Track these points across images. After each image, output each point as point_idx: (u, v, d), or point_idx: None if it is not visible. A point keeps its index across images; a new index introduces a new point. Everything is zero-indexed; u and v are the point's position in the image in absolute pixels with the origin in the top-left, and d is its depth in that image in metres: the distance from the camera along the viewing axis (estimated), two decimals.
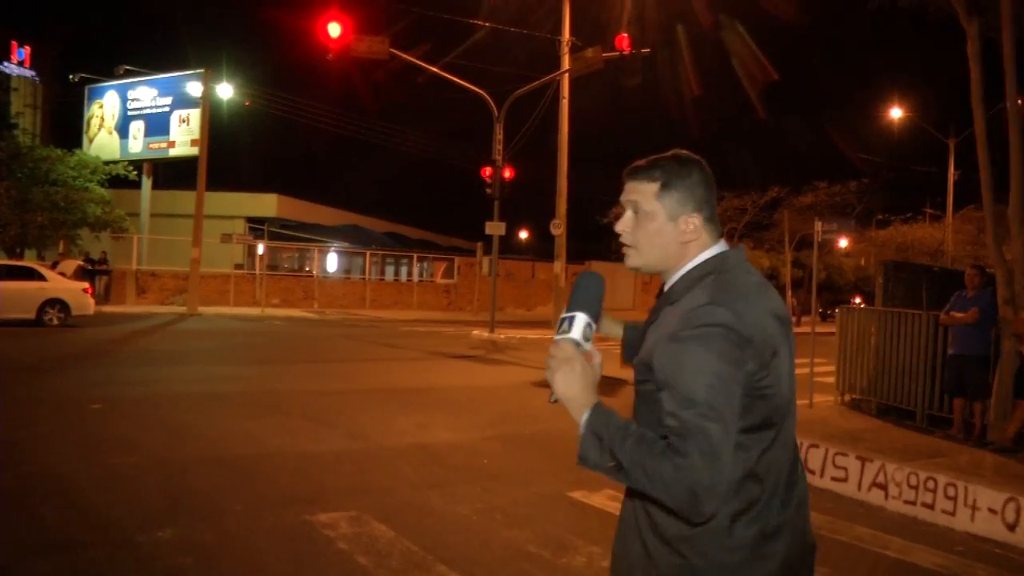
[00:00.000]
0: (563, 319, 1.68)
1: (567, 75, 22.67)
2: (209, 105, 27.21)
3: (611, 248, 52.08)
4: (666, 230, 1.75)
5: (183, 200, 30.06)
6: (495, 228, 21.42)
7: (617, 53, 17.74)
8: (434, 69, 20.28)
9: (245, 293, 29.22)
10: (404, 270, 40.69)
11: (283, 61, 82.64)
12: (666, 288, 1.79)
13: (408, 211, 52.24)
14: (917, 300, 10.54)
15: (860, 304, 42.70)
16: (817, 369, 10.27)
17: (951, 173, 38.52)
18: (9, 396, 9.19)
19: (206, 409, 8.82)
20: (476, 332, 21.76)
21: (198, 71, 28.31)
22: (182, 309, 25.41)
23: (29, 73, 35.18)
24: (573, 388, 1.62)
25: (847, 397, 9.95)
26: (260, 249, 29.83)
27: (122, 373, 11.30)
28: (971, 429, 7.90)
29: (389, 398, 10.28)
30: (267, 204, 36.64)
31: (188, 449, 6.95)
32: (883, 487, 6.50)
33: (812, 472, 7.13)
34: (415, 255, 38.70)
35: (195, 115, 28.96)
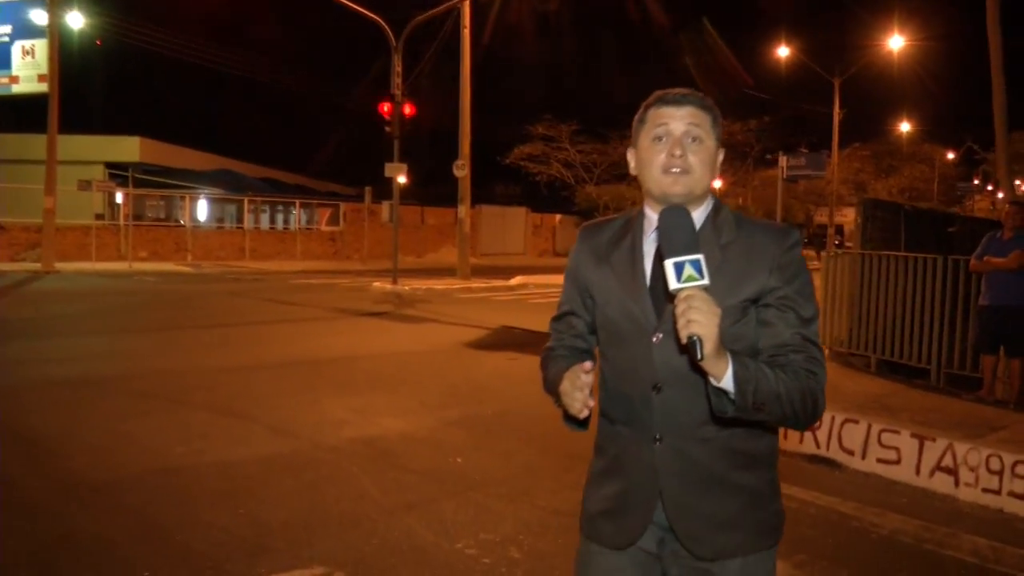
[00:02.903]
0: (678, 264, 1.48)
1: (468, 2, 20.83)
2: (58, 35, 23.77)
3: (497, 192, 50.74)
4: (715, 161, 1.76)
5: (33, 144, 26.46)
6: (395, 170, 19.55)
7: None
8: None
9: (108, 246, 26.23)
10: (280, 217, 38.11)
11: None
12: (702, 224, 1.72)
13: (282, 155, 48.65)
14: (895, 242, 9.59)
15: None
16: None
17: (836, 111, 38.97)
18: None
19: (79, 403, 6.88)
20: (377, 284, 19.94)
21: None
22: (36, 266, 22.43)
23: None
24: (717, 341, 1.48)
25: (832, 350, 8.92)
26: (119, 197, 26.79)
27: None
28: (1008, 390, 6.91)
29: (307, 373, 8.54)
30: (129, 148, 33.19)
31: (60, 470, 5.08)
32: (952, 472, 5.36)
33: (850, 452, 5.98)
34: (298, 201, 36.12)
35: (41, 46, 25.34)
